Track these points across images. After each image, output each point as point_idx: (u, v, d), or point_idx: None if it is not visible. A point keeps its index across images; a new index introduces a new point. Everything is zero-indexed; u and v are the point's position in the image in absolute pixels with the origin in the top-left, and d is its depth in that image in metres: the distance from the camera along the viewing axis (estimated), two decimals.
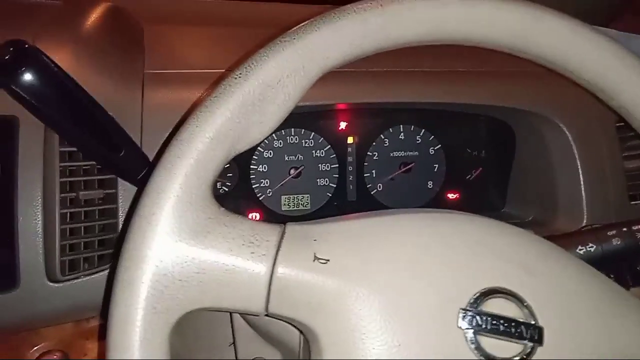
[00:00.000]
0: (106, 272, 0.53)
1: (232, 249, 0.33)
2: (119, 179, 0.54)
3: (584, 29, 0.40)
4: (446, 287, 0.35)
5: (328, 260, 0.34)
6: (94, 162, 0.53)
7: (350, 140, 0.77)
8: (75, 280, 0.51)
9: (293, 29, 0.36)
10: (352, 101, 0.66)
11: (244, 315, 0.53)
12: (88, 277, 0.52)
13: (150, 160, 0.52)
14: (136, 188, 0.54)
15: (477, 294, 0.35)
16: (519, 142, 0.75)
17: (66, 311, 0.51)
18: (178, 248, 0.32)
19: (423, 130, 0.78)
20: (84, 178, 0.52)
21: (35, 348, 0.52)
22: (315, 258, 0.34)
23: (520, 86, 0.68)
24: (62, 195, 0.51)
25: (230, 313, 0.57)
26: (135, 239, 0.32)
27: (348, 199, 0.77)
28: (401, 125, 0.77)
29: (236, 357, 0.57)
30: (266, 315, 0.35)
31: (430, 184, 0.79)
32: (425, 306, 0.34)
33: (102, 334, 0.54)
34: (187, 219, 0.33)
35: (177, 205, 0.32)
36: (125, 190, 0.54)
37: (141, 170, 0.50)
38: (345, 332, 0.34)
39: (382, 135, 0.77)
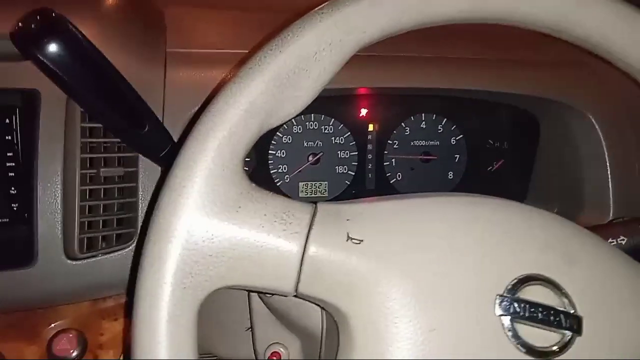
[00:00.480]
0: (124, 251, 0.52)
1: (264, 226, 0.32)
2: (140, 158, 0.53)
3: (630, 11, 0.38)
4: (483, 272, 0.34)
5: (362, 240, 0.33)
6: (115, 140, 0.52)
7: (370, 127, 0.75)
8: (93, 259, 0.50)
9: (330, 1, 0.35)
10: (375, 86, 0.65)
11: (263, 298, 0.52)
12: (106, 256, 0.51)
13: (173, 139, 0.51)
14: (157, 166, 0.53)
15: (515, 281, 0.34)
16: (544, 133, 0.73)
17: (83, 289, 0.51)
18: (208, 222, 0.31)
19: (445, 119, 0.76)
20: (105, 155, 0.51)
21: (51, 326, 0.51)
22: (349, 238, 0.33)
23: (548, 75, 0.67)
24: (83, 171, 0.50)
25: (249, 297, 0.56)
26: (164, 212, 0.31)
27: (367, 188, 0.76)
28: (423, 114, 0.76)
29: (253, 342, 0.56)
30: (295, 295, 0.34)
31: (450, 175, 0.77)
32: (461, 291, 0.33)
33: (128, 311, 0.53)
34: (218, 193, 0.31)
35: (208, 178, 0.31)
36: (146, 168, 0.53)
37: (164, 148, 0.49)
38: (377, 315, 0.33)
39: (403, 124, 0.76)
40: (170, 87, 0.56)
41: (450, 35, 0.67)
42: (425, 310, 0.33)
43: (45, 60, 0.39)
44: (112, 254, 0.51)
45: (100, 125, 0.51)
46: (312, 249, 0.33)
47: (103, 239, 0.51)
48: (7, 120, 0.50)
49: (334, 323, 0.37)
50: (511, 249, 0.35)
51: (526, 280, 0.34)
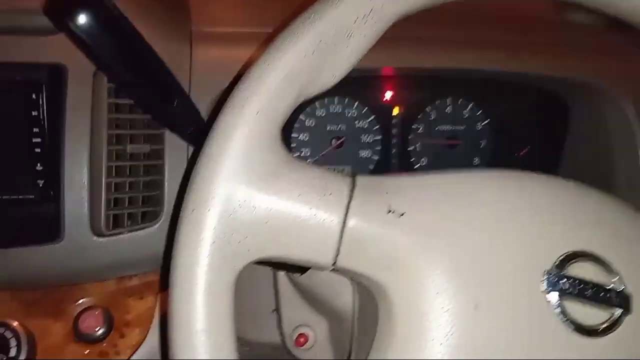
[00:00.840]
0: (150, 229, 0.51)
1: (303, 196, 0.31)
2: (166, 135, 0.52)
3: None
4: (530, 248, 0.33)
5: (403, 213, 0.32)
6: (141, 116, 0.51)
7: (395, 111, 0.74)
8: (120, 236, 0.50)
9: None
10: (400, 65, 0.63)
11: (292, 277, 0.51)
12: (132, 233, 0.50)
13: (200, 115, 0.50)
14: (183, 145, 0.52)
15: (563, 257, 0.32)
16: (574, 119, 0.72)
17: (109, 266, 0.50)
18: (246, 191, 0.30)
19: (471, 104, 0.75)
20: (131, 132, 0.51)
21: (77, 303, 0.51)
22: (390, 210, 0.32)
23: (579, 57, 0.65)
24: (110, 147, 0.49)
25: (275, 278, 0.55)
26: (202, 180, 0.30)
27: (391, 173, 0.75)
28: (448, 98, 0.74)
29: (279, 324, 0.56)
30: (332, 269, 0.33)
31: (476, 161, 0.76)
32: (507, 267, 0.32)
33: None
34: (256, 161, 0.31)
35: (246, 145, 0.30)
36: (172, 146, 0.52)
37: (192, 124, 0.48)
38: (418, 290, 0.32)
39: (428, 108, 0.74)
40: (196, 66, 0.55)
41: (479, 18, 0.66)
42: (468, 286, 0.32)
43: (77, 32, 0.38)
44: (138, 232, 0.50)
45: (127, 101, 0.50)
46: (352, 221, 0.32)
47: (129, 217, 0.51)
48: (34, 96, 0.49)
49: (369, 301, 0.36)
50: (558, 224, 0.33)
51: (574, 256, 0.33)
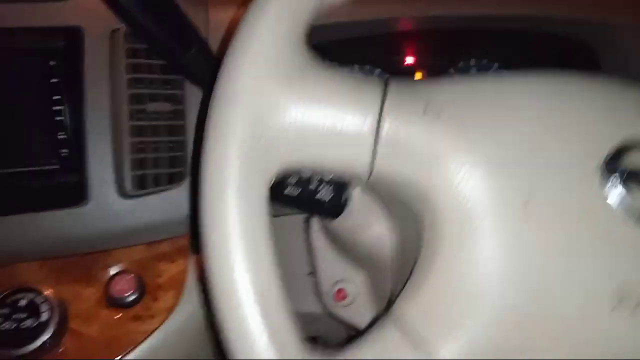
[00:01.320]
0: (176, 190, 0.50)
1: (334, 97, 0.30)
2: (186, 95, 0.51)
3: None
4: (581, 139, 0.30)
5: (441, 112, 0.30)
6: (160, 76, 0.50)
7: (417, 76, 0.72)
8: (146, 197, 0.49)
9: None
10: (421, 14, 0.62)
11: (326, 227, 0.49)
12: (159, 194, 0.49)
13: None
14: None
15: (617, 147, 0.30)
16: (604, 67, 0.69)
17: (137, 229, 0.49)
18: (274, 93, 0.29)
19: (496, 64, 0.72)
20: (151, 91, 0.50)
21: (108, 269, 0.49)
22: (427, 110, 0.30)
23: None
24: (131, 107, 0.48)
25: (309, 236, 0.53)
26: (228, 81, 0.29)
27: None
28: (473, 60, 0.72)
29: (317, 284, 0.54)
30: (368, 180, 0.32)
31: None
32: (556, 160, 0.30)
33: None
34: (282, 61, 0.29)
35: (272, 44, 0.29)
36: (193, 107, 0.51)
37: (209, 72, 0.47)
38: (462, 188, 0.29)
39: (451, 71, 0.72)
40: (213, 28, 0.54)
41: None
42: (515, 181, 0.29)
43: None
44: (164, 192, 0.49)
45: (145, 61, 0.49)
46: (387, 122, 0.30)
47: (154, 179, 0.50)
48: (52, 62, 0.48)
49: (407, 223, 0.34)
50: (609, 115, 0.31)
51: (630, 146, 0.30)
